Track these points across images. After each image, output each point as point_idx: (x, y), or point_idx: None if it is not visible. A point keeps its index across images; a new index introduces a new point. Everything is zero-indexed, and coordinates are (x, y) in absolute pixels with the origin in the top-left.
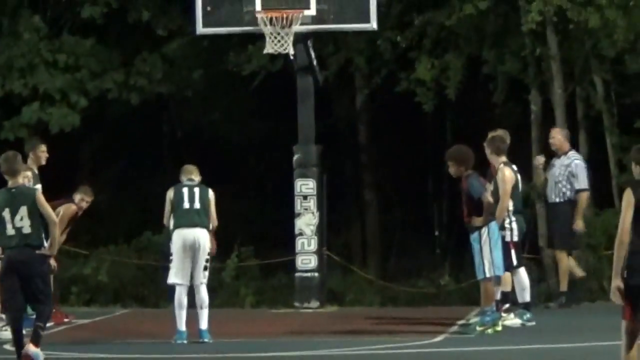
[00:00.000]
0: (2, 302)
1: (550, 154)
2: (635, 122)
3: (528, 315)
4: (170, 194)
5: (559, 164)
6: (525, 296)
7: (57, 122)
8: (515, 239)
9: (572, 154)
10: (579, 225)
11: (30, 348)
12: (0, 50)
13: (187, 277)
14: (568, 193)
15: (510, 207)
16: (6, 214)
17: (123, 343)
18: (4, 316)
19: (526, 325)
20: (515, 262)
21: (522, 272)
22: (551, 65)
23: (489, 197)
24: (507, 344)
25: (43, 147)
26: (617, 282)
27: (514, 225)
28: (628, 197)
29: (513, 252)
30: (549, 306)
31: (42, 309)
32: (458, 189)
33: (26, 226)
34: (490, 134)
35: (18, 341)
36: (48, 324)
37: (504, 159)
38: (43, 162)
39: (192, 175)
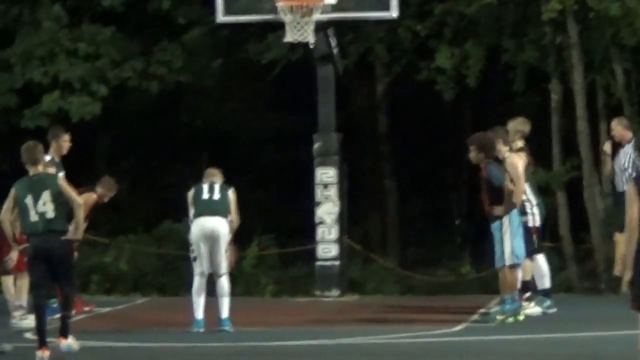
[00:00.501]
0: (30, 289)
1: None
2: None
3: (548, 302)
4: (190, 193)
5: (623, 152)
6: (545, 283)
7: (78, 111)
8: (538, 224)
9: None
10: None
11: (62, 343)
12: (20, 39)
13: (206, 265)
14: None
15: (529, 193)
16: (29, 200)
17: (143, 331)
18: (24, 304)
19: (547, 312)
20: (535, 246)
21: (541, 258)
22: (571, 54)
23: (510, 185)
24: (528, 333)
25: (66, 137)
26: (628, 276)
27: (536, 210)
28: (629, 191)
29: (535, 237)
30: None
31: (66, 296)
32: (477, 178)
33: (49, 211)
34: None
35: (41, 328)
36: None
37: (508, 148)
38: (64, 152)
39: (214, 178)
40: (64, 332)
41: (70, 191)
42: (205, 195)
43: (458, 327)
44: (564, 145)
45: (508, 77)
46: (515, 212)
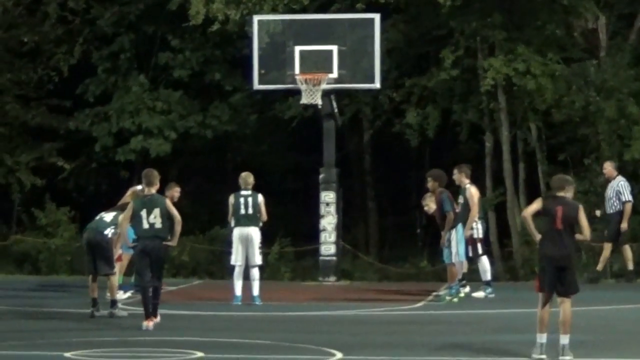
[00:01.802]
0: (135, 274)
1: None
2: (559, 156)
3: (489, 289)
4: (231, 199)
5: (610, 186)
6: (487, 276)
7: (155, 149)
8: (480, 235)
9: (619, 178)
10: (624, 226)
11: (150, 323)
12: (116, 98)
13: (243, 259)
14: (618, 206)
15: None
16: (143, 213)
17: (199, 304)
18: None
19: (488, 297)
20: (480, 252)
21: (485, 259)
22: (500, 115)
23: (451, 215)
24: (470, 309)
25: (178, 189)
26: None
27: (479, 225)
28: (537, 200)
29: (479, 245)
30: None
31: (157, 287)
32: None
33: (157, 223)
34: (460, 165)
35: (146, 305)
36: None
37: (469, 180)
38: (175, 200)
39: (247, 181)
40: (154, 313)
41: (174, 211)
42: (242, 211)
43: (419, 304)
44: (494, 178)
45: (456, 130)
46: (460, 226)
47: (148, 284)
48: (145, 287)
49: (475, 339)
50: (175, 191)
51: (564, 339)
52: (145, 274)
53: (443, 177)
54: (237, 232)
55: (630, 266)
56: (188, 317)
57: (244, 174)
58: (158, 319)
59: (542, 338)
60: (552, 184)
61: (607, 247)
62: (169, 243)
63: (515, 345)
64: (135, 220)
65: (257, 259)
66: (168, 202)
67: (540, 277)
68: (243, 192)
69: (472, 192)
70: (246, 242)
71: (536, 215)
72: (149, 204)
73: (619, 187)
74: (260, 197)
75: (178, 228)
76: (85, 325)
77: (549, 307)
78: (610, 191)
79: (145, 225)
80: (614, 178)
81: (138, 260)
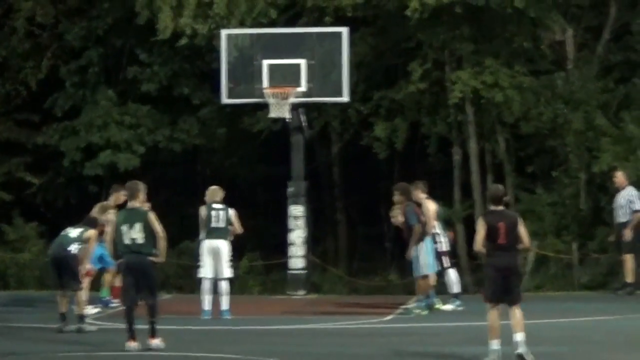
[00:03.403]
0: (120, 295)
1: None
2: (526, 168)
3: (458, 302)
4: (203, 211)
5: (620, 195)
6: (455, 289)
7: (123, 163)
8: (445, 248)
9: (630, 188)
10: (627, 235)
11: (153, 342)
12: (85, 112)
13: (212, 272)
14: (629, 215)
15: (438, 228)
16: (125, 227)
17: (168, 318)
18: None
19: (457, 309)
20: (446, 265)
21: (452, 272)
22: (468, 128)
23: (418, 227)
24: (439, 322)
25: (124, 192)
26: None
27: (442, 239)
28: (480, 222)
29: (444, 258)
30: (618, 293)
31: (151, 305)
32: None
33: (139, 238)
34: (416, 182)
35: (130, 324)
36: (115, 304)
37: (425, 195)
38: (121, 202)
39: (217, 194)
40: (152, 333)
41: (156, 225)
42: (214, 224)
43: (388, 317)
44: (463, 190)
45: (424, 143)
46: (428, 239)
47: (132, 303)
48: (129, 307)
49: (445, 350)
50: (121, 194)
51: (520, 336)
52: (129, 291)
53: (409, 190)
54: (207, 245)
55: (630, 278)
56: (157, 331)
57: (212, 188)
58: (157, 342)
59: (495, 344)
60: (490, 196)
61: (629, 259)
62: (155, 260)
63: (484, 357)
64: (117, 235)
65: (227, 272)
66: (151, 216)
67: (486, 288)
68: (215, 205)
69: (428, 206)
70: (215, 255)
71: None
72: (130, 218)
73: (631, 197)
74: (232, 211)
75: (163, 243)
76: (54, 340)
77: (499, 315)
78: (622, 200)
79: (127, 241)
80: (624, 188)
81: (123, 277)
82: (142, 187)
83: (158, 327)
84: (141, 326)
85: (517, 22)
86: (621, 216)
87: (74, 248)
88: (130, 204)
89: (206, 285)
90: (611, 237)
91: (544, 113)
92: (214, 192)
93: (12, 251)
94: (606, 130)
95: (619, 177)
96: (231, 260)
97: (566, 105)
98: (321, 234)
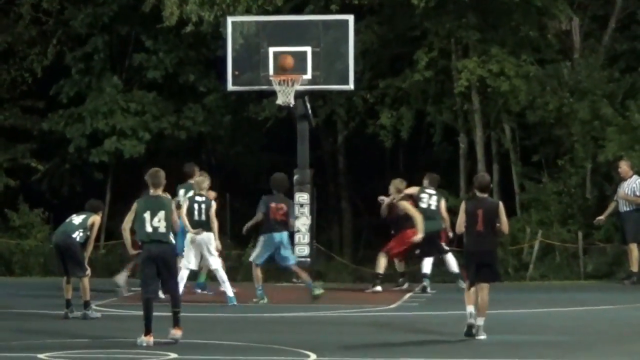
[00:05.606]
0: (141, 284)
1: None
2: (532, 157)
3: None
4: (185, 203)
5: (625, 185)
6: (455, 268)
7: (129, 151)
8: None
9: (635, 177)
10: (620, 194)
11: (176, 333)
12: (90, 99)
13: (196, 264)
14: (633, 205)
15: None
16: (147, 215)
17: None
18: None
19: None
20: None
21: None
22: (474, 116)
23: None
24: (445, 310)
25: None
26: None
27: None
28: (462, 206)
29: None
30: (624, 282)
31: (174, 296)
32: None
33: (162, 227)
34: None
35: (148, 318)
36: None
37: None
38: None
39: (201, 186)
40: (176, 324)
41: (175, 216)
42: (197, 217)
43: (394, 305)
44: (468, 179)
45: (430, 132)
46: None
47: (152, 294)
48: (148, 299)
49: (451, 339)
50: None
51: (480, 321)
52: (149, 283)
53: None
54: (190, 237)
55: (635, 268)
56: (161, 318)
57: (198, 178)
58: (180, 333)
59: (471, 308)
60: (477, 184)
61: (634, 248)
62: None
63: (490, 346)
64: (137, 222)
65: (214, 263)
66: (174, 207)
67: (466, 269)
68: (197, 198)
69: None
70: (200, 248)
71: None
72: (153, 205)
73: (636, 185)
74: (213, 203)
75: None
76: (59, 327)
77: (474, 289)
78: (627, 189)
79: (149, 229)
80: (630, 177)
81: (143, 267)
82: (163, 175)
83: (160, 314)
84: (137, 312)
85: (523, 11)
86: (624, 206)
87: (78, 235)
88: (154, 192)
89: (184, 274)
90: (599, 218)
91: (550, 102)
92: (201, 182)
93: (17, 237)
94: (612, 119)
95: (624, 166)
96: (219, 251)
97: (572, 94)
98: (326, 223)
